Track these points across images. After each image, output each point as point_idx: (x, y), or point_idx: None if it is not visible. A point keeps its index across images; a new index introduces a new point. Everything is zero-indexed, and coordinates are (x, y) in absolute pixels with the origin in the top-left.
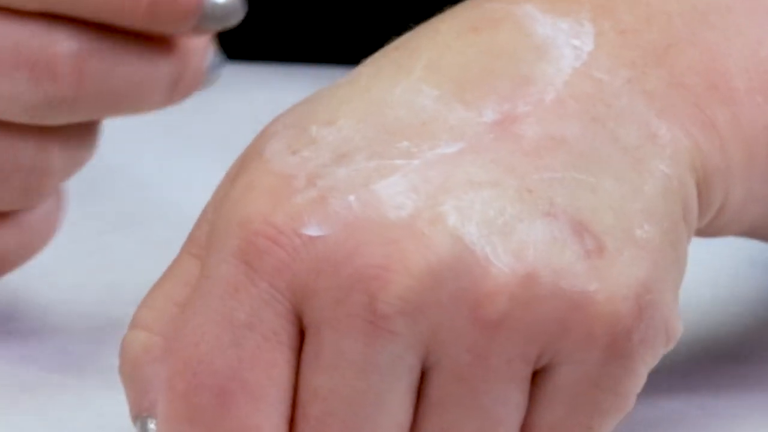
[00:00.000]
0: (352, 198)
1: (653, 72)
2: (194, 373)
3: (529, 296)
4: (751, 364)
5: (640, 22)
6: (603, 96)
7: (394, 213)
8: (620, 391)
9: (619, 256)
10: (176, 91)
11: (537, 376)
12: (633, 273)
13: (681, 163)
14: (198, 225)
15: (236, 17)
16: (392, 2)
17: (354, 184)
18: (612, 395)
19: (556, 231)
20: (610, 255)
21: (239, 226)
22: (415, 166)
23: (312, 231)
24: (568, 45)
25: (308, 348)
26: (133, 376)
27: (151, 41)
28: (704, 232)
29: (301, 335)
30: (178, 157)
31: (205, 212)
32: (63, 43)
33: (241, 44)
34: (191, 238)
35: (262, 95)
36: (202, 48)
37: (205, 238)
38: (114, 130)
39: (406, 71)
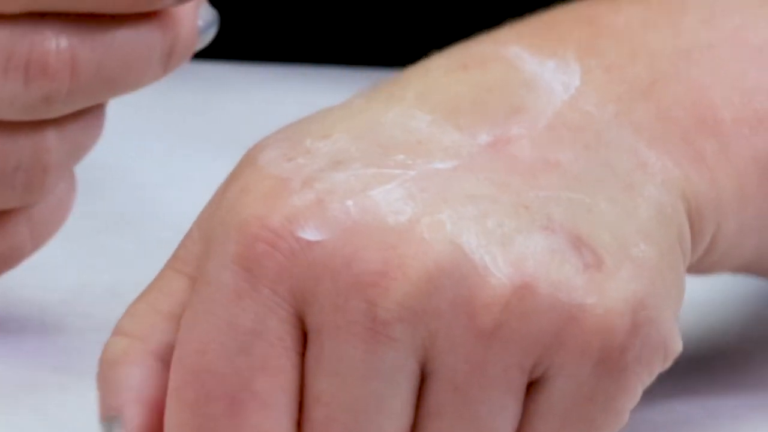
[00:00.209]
0: (350, 203)
1: (640, 106)
2: (203, 383)
3: (526, 307)
4: (752, 364)
5: (625, 60)
6: (593, 126)
7: (393, 218)
8: (614, 408)
9: (617, 271)
10: (171, 59)
11: (532, 389)
12: (631, 288)
13: (672, 191)
14: (183, 244)
15: None
16: (392, 2)
17: (352, 189)
18: (605, 411)
19: (555, 244)
20: (609, 270)
21: (236, 230)
22: (412, 176)
23: (310, 235)
24: (556, 80)
25: (310, 352)
26: (107, 377)
27: (140, 16)
28: (698, 267)
29: (305, 338)
30: (178, 157)
31: (191, 231)
32: (52, 40)
33: (241, 44)
34: (176, 256)
35: (262, 95)
36: (192, 10)
37: (190, 256)
38: (114, 130)
39: (398, 99)
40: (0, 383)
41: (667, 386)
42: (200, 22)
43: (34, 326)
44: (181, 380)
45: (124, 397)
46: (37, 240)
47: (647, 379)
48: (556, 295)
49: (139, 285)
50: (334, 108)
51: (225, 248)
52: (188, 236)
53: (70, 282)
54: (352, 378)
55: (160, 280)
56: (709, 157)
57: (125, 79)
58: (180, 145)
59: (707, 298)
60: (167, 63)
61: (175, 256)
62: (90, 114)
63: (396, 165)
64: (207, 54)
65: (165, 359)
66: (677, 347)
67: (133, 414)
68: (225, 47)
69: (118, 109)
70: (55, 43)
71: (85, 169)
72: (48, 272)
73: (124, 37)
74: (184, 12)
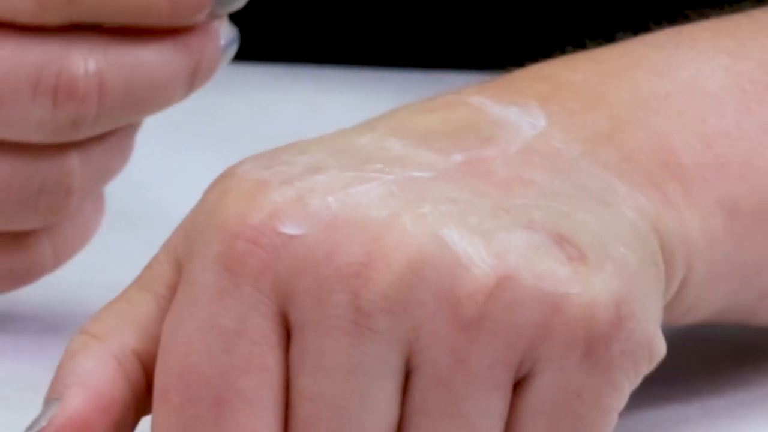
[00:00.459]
0: (330, 199)
1: (604, 149)
2: (187, 384)
3: (510, 298)
4: (751, 364)
5: (585, 108)
6: (562, 157)
7: (375, 212)
8: (602, 405)
9: (601, 267)
10: (196, 79)
11: (519, 387)
12: (615, 283)
13: (646, 220)
14: (149, 265)
15: None
16: (392, 2)
17: (332, 187)
18: (594, 408)
19: (537, 240)
20: (592, 264)
21: (217, 230)
22: (391, 179)
23: (290, 230)
24: (522, 120)
25: (294, 349)
26: (61, 366)
27: (166, 36)
28: (672, 312)
29: (289, 335)
30: (178, 157)
31: (158, 253)
32: (81, 63)
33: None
34: (141, 276)
35: (262, 95)
36: (216, 29)
37: (156, 275)
38: None
39: (370, 129)
40: (0, 383)
41: (665, 386)
42: (222, 41)
43: (34, 326)
44: (166, 382)
45: (69, 381)
46: (59, 258)
47: (634, 378)
48: (540, 286)
49: None
50: (306, 139)
51: (207, 249)
52: (155, 258)
53: (70, 282)
54: (335, 373)
55: (124, 293)
56: (674, 199)
57: (151, 100)
58: (180, 145)
59: None
60: (192, 83)
61: (140, 276)
62: (116, 137)
63: (373, 170)
64: None
65: (121, 360)
66: (661, 350)
67: (73, 398)
68: None
69: None
70: (84, 66)
71: None
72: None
73: (151, 58)
74: (208, 31)
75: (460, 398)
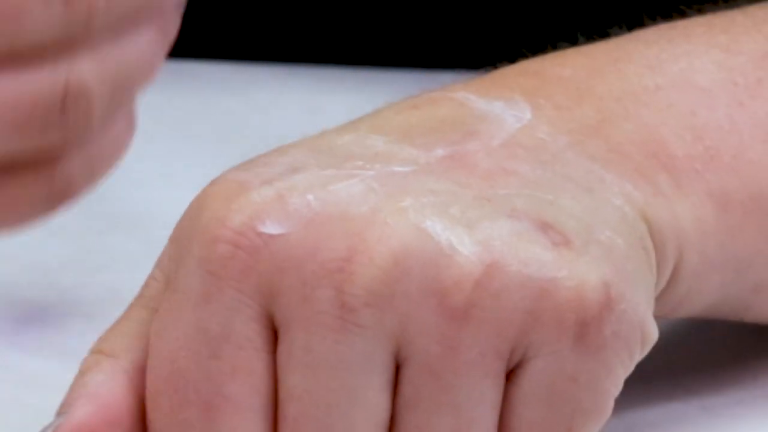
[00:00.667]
0: (310, 197)
1: (591, 141)
2: (176, 389)
3: (496, 286)
4: (751, 364)
5: (573, 101)
6: (547, 149)
7: (356, 208)
8: (598, 388)
9: (587, 250)
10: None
11: (512, 375)
12: (602, 265)
13: (634, 209)
14: (146, 283)
15: None
16: (392, 2)
17: (311, 185)
18: (590, 391)
19: (521, 228)
20: (577, 248)
21: (199, 234)
22: (371, 175)
23: (271, 229)
24: (507, 114)
25: (281, 348)
26: (73, 384)
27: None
28: (665, 304)
29: (276, 336)
30: (178, 157)
31: (153, 271)
32: None
33: (241, 44)
34: (141, 294)
35: (262, 95)
36: None
37: (154, 292)
38: None
39: (352, 129)
40: (0, 383)
41: (665, 385)
42: None
43: (34, 326)
44: (156, 387)
45: (78, 394)
46: (93, 175)
47: (628, 361)
48: (526, 272)
49: (139, 285)
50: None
51: (190, 254)
52: (151, 276)
53: (70, 282)
54: (322, 370)
55: (128, 312)
56: (664, 189)
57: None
58: (180, 145)
59: None
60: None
61: (140, 295)
62: (127, 39)
63: (354, 168)
64: (207, 54)
65: (131, 375)
66: (654, 334)
67: (80, 409)
68: (225, 47)
69: None
70: None
71: None
72: (48, 272)
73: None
74: None
75: (451, 387)
